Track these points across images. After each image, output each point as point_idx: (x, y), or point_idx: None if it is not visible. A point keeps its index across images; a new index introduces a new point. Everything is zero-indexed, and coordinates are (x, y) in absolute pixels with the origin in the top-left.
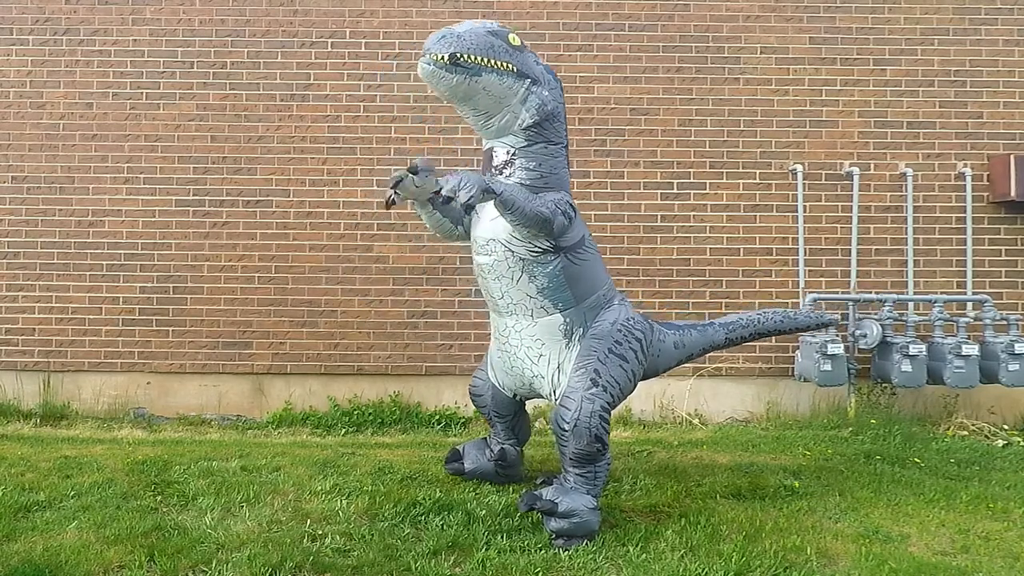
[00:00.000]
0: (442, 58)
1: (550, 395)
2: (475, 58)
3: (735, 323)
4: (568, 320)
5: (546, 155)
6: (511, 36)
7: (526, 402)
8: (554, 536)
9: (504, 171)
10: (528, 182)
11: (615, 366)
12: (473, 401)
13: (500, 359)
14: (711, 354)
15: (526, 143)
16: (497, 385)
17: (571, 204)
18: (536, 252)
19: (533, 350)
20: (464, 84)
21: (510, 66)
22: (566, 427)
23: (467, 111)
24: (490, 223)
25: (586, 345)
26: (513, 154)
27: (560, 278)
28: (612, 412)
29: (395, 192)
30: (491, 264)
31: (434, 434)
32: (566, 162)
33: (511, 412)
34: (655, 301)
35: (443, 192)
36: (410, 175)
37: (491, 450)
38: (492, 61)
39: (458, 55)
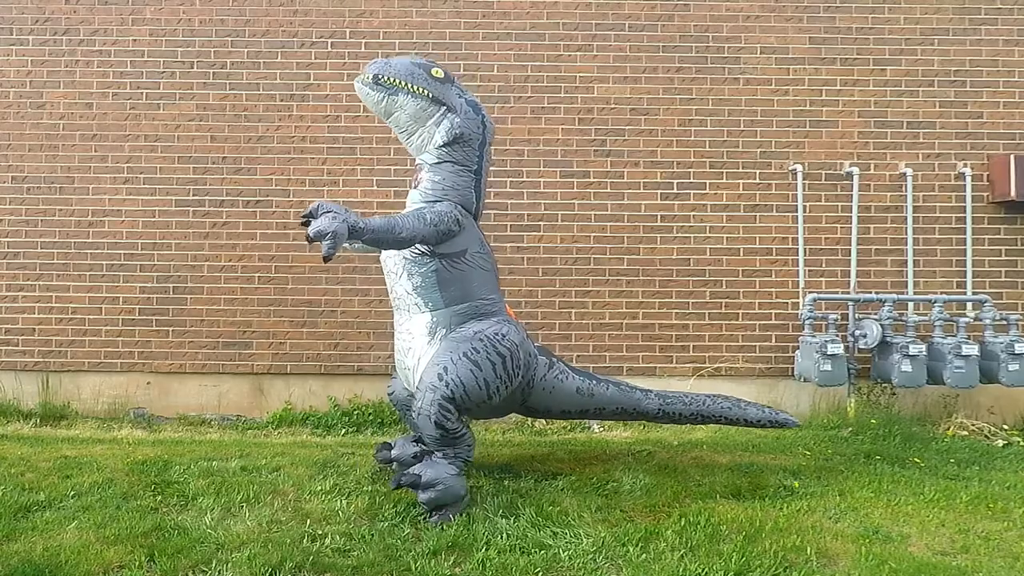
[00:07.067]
0: (367, 77)
1: (416, 389)
2: (393, 80)
3: (676, 398)
4: (434, 320)
5: (452, 173)
6: (434, 70)
7: None
8: (429, 513)
9: (416, 184)
10: (429, 191)
11: (464, 368)
12: (390, 399)
13: (396, 354)
14: (712, 354)
15: (437, 161)
16: (400, 380)
17: (458, 219)
18: (416, 253)
19: (405, 343)
20: (384, 101)
21: (425, 91)
22: (413, 414)
23: (393, 127)
24: None
25: (444, 345)
26: (425, 170)
27: (432, 280)
28: (456, 409)
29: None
30: (384, 259)
31: None
32: (473, 185)
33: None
34: (655, 301)
35: (310, 235)
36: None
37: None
38: (408, 84)
39: (379, 76)
